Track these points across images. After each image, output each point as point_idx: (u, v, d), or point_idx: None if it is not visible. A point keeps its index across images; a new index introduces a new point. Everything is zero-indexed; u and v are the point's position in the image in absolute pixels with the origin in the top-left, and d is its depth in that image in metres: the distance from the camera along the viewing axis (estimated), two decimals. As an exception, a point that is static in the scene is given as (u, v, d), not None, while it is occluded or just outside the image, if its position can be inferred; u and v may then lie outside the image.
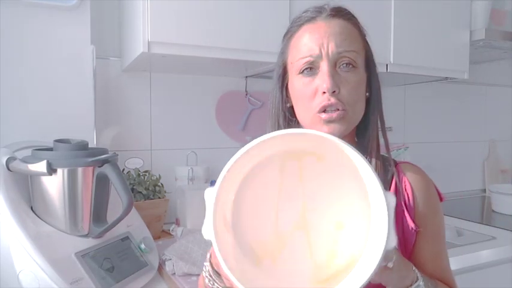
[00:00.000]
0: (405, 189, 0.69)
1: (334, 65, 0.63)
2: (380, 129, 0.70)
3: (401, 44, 1.45)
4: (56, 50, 1.14)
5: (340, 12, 0.66)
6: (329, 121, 0.63)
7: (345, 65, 0.64)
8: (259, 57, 1.21)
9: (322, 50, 0.63)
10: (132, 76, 1.43)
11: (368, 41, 0.70)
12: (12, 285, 0.79)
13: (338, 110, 0.62)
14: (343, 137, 0.64)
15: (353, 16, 0.68)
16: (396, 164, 0.72)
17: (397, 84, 1.90)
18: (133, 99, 1.43)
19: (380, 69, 1.39)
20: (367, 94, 0.68)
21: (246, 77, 1.58)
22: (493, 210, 1.78)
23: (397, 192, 0.68)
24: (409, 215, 0.67)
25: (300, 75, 0.65)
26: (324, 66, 0.63)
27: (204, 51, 1.15)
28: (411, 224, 0.67)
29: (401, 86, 1.94)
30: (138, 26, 1.11)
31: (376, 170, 0.66)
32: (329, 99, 0.62)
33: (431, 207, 0.69)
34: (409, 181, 0.69)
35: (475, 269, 1.21)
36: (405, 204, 0.68)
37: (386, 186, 0.67)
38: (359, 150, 0.66)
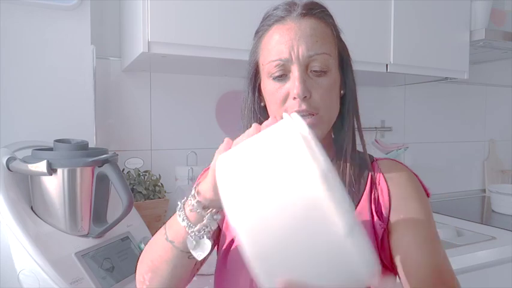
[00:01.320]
0: (379, 184, 0.67)
1: (305, 69, 0.62)
2: (356, 127, 0.69)
3: (401, 44, 1.45)
4: (56, 50, 1.14)
5: (311, 11, 0.63)
6: None
7: (316, 68, 0.62)
8: (259, 57, 1.21)
9: (292, 53, 0.61)
10: (132, 76, 1.43)
11: (342, 39, 0.68)
12: (12, 285, 0.79)
13: (311, 114, 0.61)
14: (321, 139, 0.64)
15: (326, 14, 0.65)
16: (373, 161, 0.71)
17: (397, 84, 1.91)
18: (133, 99, 1.43)
19: (380, 69, 1.41)
20: (342, 92, 0.68)
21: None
22: (493, 210, 1.78)
23: (371, 189, 0.67)
24: (378, 210, 0.65)
25: (270, 77, 0.64)
26: (295, 71, 0.61)
27: (204, 51, 1.15)
28: (379, 221, 0.64)
29: (402, 86, 1.94)
30: (138, 26, 1.11)
31: (351, 168, 0.67)
32: (300, 106, 0.60)
33: (408, 196, 0.66)
34: (384, 176, 0.67)
35: (475, 269, 1.21)
36: (377, 200, 0.66)
37: (362, 183, 0.67)
38: (336, 149, 0.69)
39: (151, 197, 1.27)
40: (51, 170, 0.83)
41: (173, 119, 1.50)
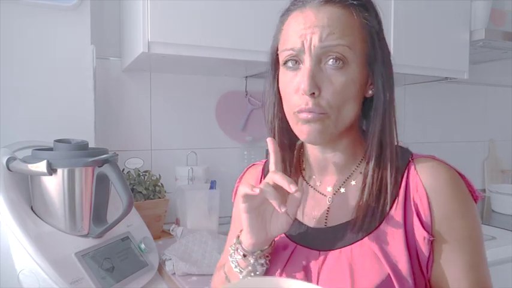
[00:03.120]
0: (416, 190, 0.58)
1: (318, 61, 0.56)
2: (387, 133, 0.60)
3: (401, 44, 1.45)
4: (56, 50, 1.14)
5: None
6: (307, 121, 0.57)
7: (332, 61, 0.56)
8: (259, 57, 1.21)
9: (305, 43, 0.56)
10: (132, 76, 1.43)
11: (378, 31, 0.60)
12: (12, 285, 0.79)
13: (321, 114, 0.57)
14: (336, 138, 0.61)
15: (357, 3, 0.58)
16: (409, 160, 0.61)
17: (397, 85, 1.89)
18: (133, 99, 1.43)
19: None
20: (370, 93, 0.61)
21: (246, 77, 1.58)
22: (493, 210, 1.78)
23: (406, 196, 0.59)
24: (422, 222, 0.57)
25: (284, 67, 0.60)
26: (307, 63, 0.56)
27: (204, 51, 1.15)
28: (424, 233, 0.56)
29: (401, 86, 1.94)
30: (138, 26, 1.11)
31: (379, 172, 0.60)
32: (307, 103, 0.56)
33: (455, 209, 0.57)
34: (421, 180, 0.58)
35: (475, 269, 1.21)
36: (416, 209, 0.58)
37: (393, 191, 0.59)
38: (362, 153, 0.63)
39: (151, 197, 1.27)
40: (51, 170, 0.83)
41: (173, 119, 1.50)
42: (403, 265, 0.55)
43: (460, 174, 0.61)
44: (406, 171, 0.60)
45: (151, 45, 1.09)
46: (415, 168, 0.60)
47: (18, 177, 0.87)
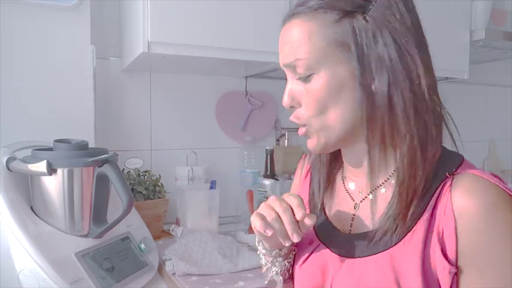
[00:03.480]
0: (444, 213, 0.50)
1: (294, 76, 0.57)
2: (414, 135, 0.52)
3: (402, 44, 1.45)
4: (56, 50, 1.14)
5: (297, 8, 0.55)
6: (304, 136, 0.59)
7: (298, 75, 0.56)
8: (259, 57, 1.21)
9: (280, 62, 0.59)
10: (132, 76, 1.43)
11: (359, 18, 0.52)
12: (12, 285, 0.79)
13: (301, 124, 0.58)
14: (352, 142, 0.58)
15: (312, 7, 0.53)
16: (448, 174, 0.53)
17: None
18: (133, 99, 1.43)
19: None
20: (373, 88, 0.53)
21: (246, 77, 1.58)
22: (493, 210, 1.78)
23: (432, 218, 0.52)
24: (444, 250, 0.50)
25: None
26: (288, 78, 0.59)
27: (204, 51, 1.15)
28: (445, 264, 0.49)
29: (402, 86, 1.94)
30: (138, 26, 1.11)
31: (400, 186, 0.53)
32: (292, 117, 0.59)
33: (486, 242, 0.47)
34: (452, 201, 0.50)
35: (475, 269, 1.21)
36: (440, 235, 0.50)
37: (418, 208, 0.52)
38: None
39: (151, 197, 1.27)
40: (51, 170, 0.83)
41: (173, 119, 1.50)
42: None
43: None
44: (440, 187, 0.52)
45: (151, 45, 1.09)
46: (450, 185, 0.51)
47: (18, 177, 0.87)
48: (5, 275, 0.81)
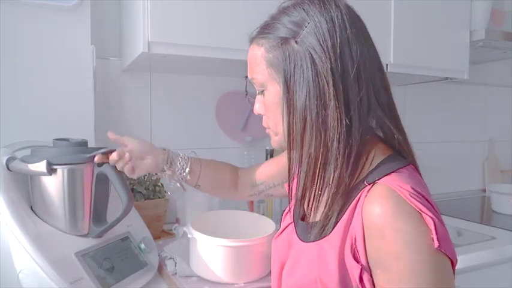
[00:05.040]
0: (357, 220, 0.56)
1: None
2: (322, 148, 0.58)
3: (401, 44, 1.45)
4: (56, 50, 1.14)
5: (255, 33, 0.68)
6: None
7: (257, 90, 0.70)
8: (259, 57, 1.21)
9: None
10: (132, 76, 1.43)
11: (293, 44, 0.59)
12: (12, 285, 0.79)
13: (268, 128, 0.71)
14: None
15: (262, 33, 0.65)
16: (368, 183, 0.57)
17: (397, 84, 1.90)
18: (133, 99, 1.43)
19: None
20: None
21: (246, 77, 1.58)
22: (493, 210, 1.78)
23: (348, 223, 0.57)
24: (356, 252, 0.56)
25: None
26: None
27: (204, 51, 1.15)
28: (354, 264, 0.55)
29: (401, 86, 1.94)
30: (138, 26, 1.10)
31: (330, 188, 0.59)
32: (263, 122, 0.72)
33: (387, 247, 0.52)
34: (362, 209, 0.55)
35: (475, 269, 1.21)
36: (353, 241, 0.56)
37: (339, 213, 0.59)
38: None
39: (151, 197, 1.27)
40: (51, 170, 0.83)
41: (173, 119, 1.49)
42: (335, 285, 0.56)
43: (425, 217, 0.52)
44: (360, 194, 0.57)
45: (151, 45, 1.09)
46: (366, 194, 0.56)
47: (18, 177, 0.87)
48: (5, 275, 0.81)
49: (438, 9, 1.53)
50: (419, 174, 0.63)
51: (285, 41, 0.60)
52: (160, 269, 1.02)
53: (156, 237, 1.21)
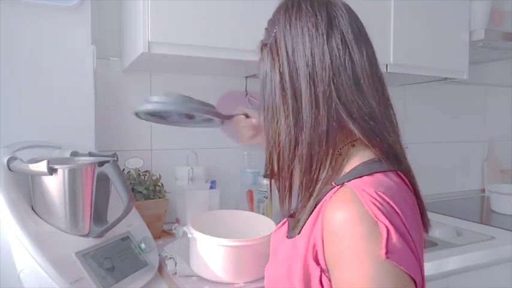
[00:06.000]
0: (319, 221, 0.56)
1: None
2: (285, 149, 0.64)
3: (401, 44, 1.45)
4: (56, 50, 1.14)
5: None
6: None
7: None
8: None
9: None
10: (132, 76, 1.43)
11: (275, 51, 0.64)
12: (12, 284, 0.79)
13: None
14: None
15: (264, 40, 0.68)
16: (335, 185, 0.57)
17: (397, 84, 1.91)
18: (134, 99, 1.43)
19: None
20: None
21: (246, 77, 1.58)
22: (492, 210, 1.78)
23: (313, 226, 0.57)
24: (316, 253, 0.55)
25: None
26: None
27: (205, 52, 1.15)
28: (313, 264, 0.55)
29: (401, 86, 1.94)
30: (138, 26, 1.11)
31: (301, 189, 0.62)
32: None
33: (340, 250, 0.51)
34: (323, 214, 0.54)
35: (474, 269, 1.21)
36: (314, 240, 0.56)
37: (304, 214, 0.61)
38: None
39: (151, 197, 1.27)
40: (52, 170, 0.83)
41: (173, 119, 1.49)
42: (298, 283, 0.56)
43: (379, 220, 0.49)
44: (327, 195, 0.57)
45: (151, 45, 1.09)
46: (331, 196, 0.55)
47: (18, 177, 0.88)
48: (6, 275, 0.81)
49: (438, 9, 1.53)
50: (405, 180, 0.59)
51: (264, 46, 0.67)
52: (161, 268, 1.02)
53: (156, 237, 1.21)
